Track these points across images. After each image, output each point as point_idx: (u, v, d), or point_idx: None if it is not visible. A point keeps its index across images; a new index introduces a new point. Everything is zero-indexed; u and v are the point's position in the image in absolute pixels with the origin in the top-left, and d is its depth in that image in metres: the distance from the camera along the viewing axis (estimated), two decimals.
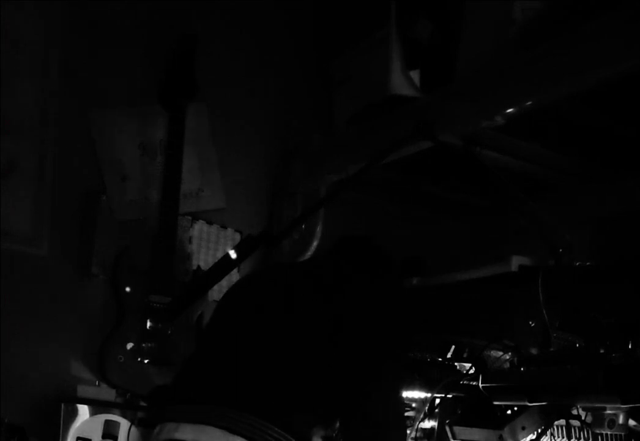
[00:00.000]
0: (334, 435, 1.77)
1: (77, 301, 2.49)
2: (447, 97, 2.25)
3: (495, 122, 2.11)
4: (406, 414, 2.15)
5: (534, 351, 2.05)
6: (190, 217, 2.70)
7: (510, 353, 2.10)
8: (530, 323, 2.10)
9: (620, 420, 1.68)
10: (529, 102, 2.01)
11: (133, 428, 2.35)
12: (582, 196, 2.56)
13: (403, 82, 2.37)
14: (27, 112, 2.45)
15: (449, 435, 2.03)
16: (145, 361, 2.43)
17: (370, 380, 1.75)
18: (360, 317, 1.79)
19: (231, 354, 1.80)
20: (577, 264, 2.09)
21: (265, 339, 1.79)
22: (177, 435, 1.67)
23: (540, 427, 1.86)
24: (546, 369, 1.84)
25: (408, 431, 2.07)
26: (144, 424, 2.37)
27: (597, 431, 1.73)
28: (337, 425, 1.75)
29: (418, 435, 2.16)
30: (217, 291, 2.64)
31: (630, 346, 1.75)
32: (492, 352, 2.16)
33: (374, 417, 1.73)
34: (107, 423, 2.38)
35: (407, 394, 2.12)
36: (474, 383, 1.97)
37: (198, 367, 1.86)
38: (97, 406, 2.39)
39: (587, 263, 2.09)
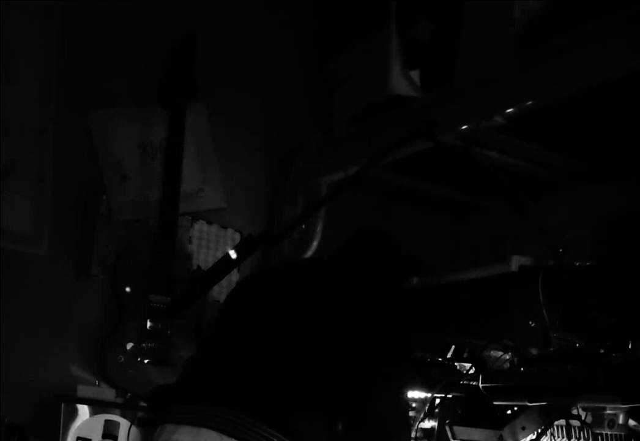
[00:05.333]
0: (337, 436, 1.76)
1: (77, 301, 2.49)
2: (447, 97, 2.25)
3: (495, 122, 2.12)
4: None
5: (534, 351, 2.05)
6: (190, 217, 2.70)
7: (510, 353, 2.10)
8: (530, 323, 2.11)
9: (620, 420, 1.68)
10: (529, 102, 2.01)
11: (133, 428, 2.35)
12: (582, 196, 2.56)
13: (403, 82, 2.37)
14: (27, 113, 2.45)
15: (449, 435, 2.03)
16: (145, 361, 2.43)
17: (379, 384, 1.76)
18: (367, 320, 1.79)
19: (232, 355, 1.80)
20: (577, 264, 2.09)
21: (266, 340, 1.79)
22: (175, 437, 1.67)
23: (540, 427, 1.86)
24: (546, 369, 1.84)
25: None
26: (144, 424, 2.37)
27: (597, 431, 1.73)
28: (340, 427, 1.75)
29: (418, 435, 2.16)
30: (217, 291, 2.65)
31: (630, 346, 1.75)
32: (492, 352, 2.16)
33: (385, 420, 1.74)
34: (107, 423, 2.38)
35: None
36: (474, 383, 1.97)
37: (200, 367, 1.86)
38: (97, 406, 2.39)
39: (587, 263, 2.09)
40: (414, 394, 2.16)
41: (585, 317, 1.98)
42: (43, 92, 2.47)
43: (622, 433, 1.70)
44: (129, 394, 2.45)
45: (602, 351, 1.80)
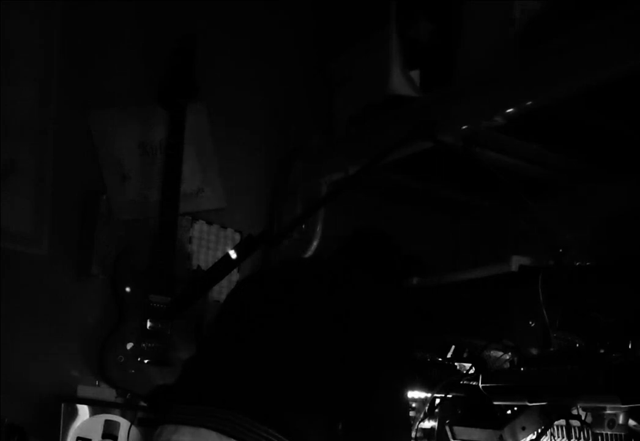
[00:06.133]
0: (337, 436, 1.76)
1: (77, 301, 2.49)
2: (447, 97, 2.25)
3: (495, 122, 2.11)
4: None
5: (534, 351, 2.05)
6: (190, 218, 2.70)
7: (510, 353, 2.10)
8: (530, 323, 2.10)
9: (620, 420, 1.68)
10: (529, 102, 2.01)
11: (133, 428, 2.36)
12: (582, 196, 2.56)
13: (403, 82, 2.37)
14: (27, 113, 2.45)
15: (449, 435, 2.03)
16: (145, 361, 2.43)
17: (379, 384, 1.76)
18: (367, 320, 1.79)
19: (232, 355, 1.80)
20: (577, 264, 2.09)
21: (266, 340, 1.79)
22: (175, 437, 1.67)
23: (540, 427, 1.86)
24: (546, 369, 1.84)
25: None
26: (144, 424, 2.37)
27: (597, 431, 1.73)
28: (340, 427, 1.74)
29: (418, 435, 2.16)
30: (217, 291, 2.65)
31: (630, 346, 1.75)
32: (492, 352, 2.16)
33: (385, 420, 1.74)
34: (107, 423, 2.38)
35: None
36: (474, 383, 1.97)
37: (200, 367, 1.86)
38: (97, 406, 2.39)
39: (587, 263, 2.09)
40: (414, 394, 2.16)
41: (585, 317, 1.98)
42: (43, 92, 2.47)
43: (622, 433, 1.70)
44: (129, 394, 2.45)
45: (602, 351, 1.80)
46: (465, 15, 2.24)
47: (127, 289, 2.45)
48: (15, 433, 2.23)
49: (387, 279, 2.12)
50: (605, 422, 1.69)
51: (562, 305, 1.99)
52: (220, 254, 2.59)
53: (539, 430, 1.86)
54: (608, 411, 1.69)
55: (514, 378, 1.93)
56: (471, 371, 2.11)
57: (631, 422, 1.69)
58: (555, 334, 1.95)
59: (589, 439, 1.77)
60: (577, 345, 1.94)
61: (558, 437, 1.85)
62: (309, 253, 2.76)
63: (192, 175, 2.70)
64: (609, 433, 1.72)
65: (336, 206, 2.65)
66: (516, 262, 2.15)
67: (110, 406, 2.41)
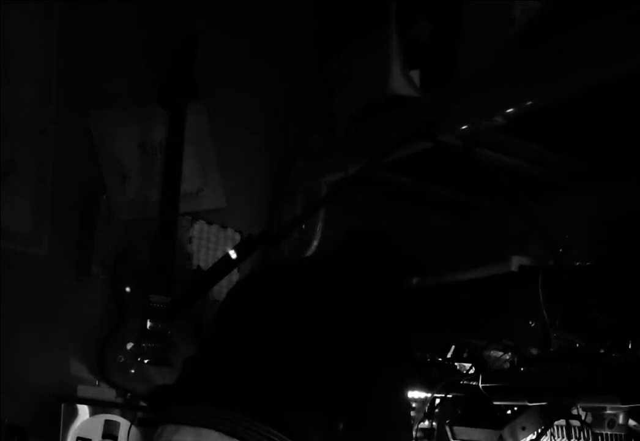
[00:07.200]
0: (337, 436, 1.76)
1: (77, 301, 2.49)
2: (447, 97, 2.25)
3: (495, 122, 2.12)
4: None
5: (534, 351, 2.05)
6: (190, 217, 2.70)
7: (510, 353, 2.10)
8: (530, 323, 2.11)
9: (620, 420, 1.68)
10: (529, 102, 2.01)
11: (133, 428, 2.36)
12: (582, 196, 2.56)
13: (403, 82, 2.37)
14: (27, 113, 2.45)
15: (449, 435, 2.03)
16: (145, 361, 2.43)
17: (379, 384, 1.76)
18: (367, 320, 1.79)
19: (232, 355, 1.80)
20: (577, 264, 2.09)
21: (266, 340, 1.79)
22: (176, 438, 1.67)
23: (540, 427, 1.86)
24: (546, 369, 1.84)
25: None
26: (144, 424, 2.37)
27: (597, 431, 1.73)
28: (340, 426, 1.75)
29: (418, 435, 2.16)
30: (217, 291, 2.65)
31: (630, 346, 1.75)
32: (492, 352, 2.16)
33: (385, 420, 1.74)
34: (107, 423, 2.38)
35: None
36: (474, 383, 1.97)
37: (200, 367, 1.86)
38: (97, 406, 2.39)
39: (587, 263, 2.09)
40: (414, 394, 2.16)
41: (585, 317, 1.98)
42: (43, 92, 2.47)
43: (622, 433, 1.70)
44: (129, 394, 2.45)
45: (602, 351, 1.80)
46: (465, 15, 2.24)
47: (127, 289, 2.45)
48: (15, 433, 2.23)
49: (387, 279, 2.12)
50: (605, 422, 1.69)
51: (562, 305, 1.99)
52: (220, 254, 2.59)
53: (539, 430, 1.86)
54: (608, 411, 1.69)
55: (514, 378, 1.93)
56: (471, 371, 2.11)
57: (631, 422, 1.69)
58: (555, 334, 1.95)
59: (589, 439, 1.77)
60: (577, 345, 1.94)
61: (558, 437, 1.85)
62: (309, 253, 2.76)
63: (192, 175, 2.70)
64: (609, 433, 1.72)
65: (336, 206, 2.64)
66: (516, 262, 2.15)
67: (110, 406, 2.41)
